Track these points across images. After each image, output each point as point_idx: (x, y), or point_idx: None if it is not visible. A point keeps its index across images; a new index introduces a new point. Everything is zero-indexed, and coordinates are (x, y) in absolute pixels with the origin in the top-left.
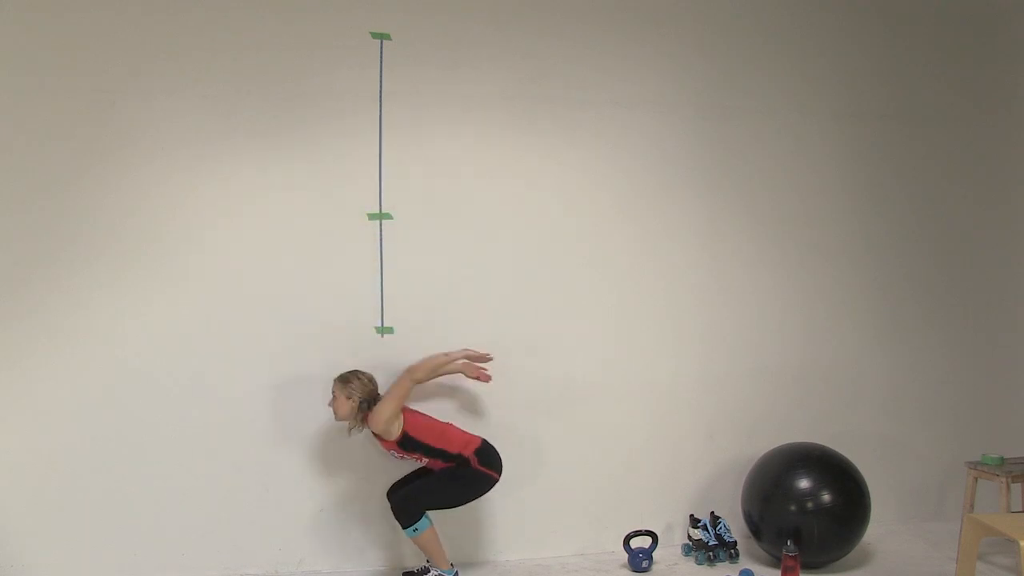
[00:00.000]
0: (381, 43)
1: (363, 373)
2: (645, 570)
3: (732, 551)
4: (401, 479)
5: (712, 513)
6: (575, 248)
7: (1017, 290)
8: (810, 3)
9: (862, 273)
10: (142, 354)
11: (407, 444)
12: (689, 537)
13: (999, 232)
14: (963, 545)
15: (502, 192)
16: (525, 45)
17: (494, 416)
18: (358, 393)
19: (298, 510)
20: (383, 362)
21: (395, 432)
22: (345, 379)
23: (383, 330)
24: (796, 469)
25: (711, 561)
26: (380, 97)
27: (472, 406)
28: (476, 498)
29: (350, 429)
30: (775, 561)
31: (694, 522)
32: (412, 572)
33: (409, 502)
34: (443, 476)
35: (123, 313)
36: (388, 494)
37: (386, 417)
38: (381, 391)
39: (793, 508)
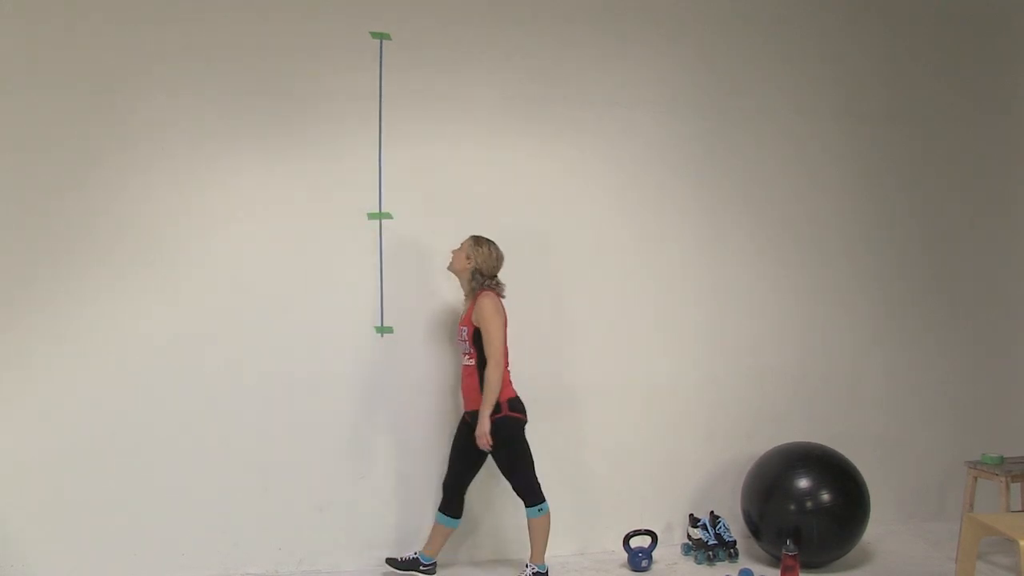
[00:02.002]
0: (381, 43)
1: (498, 248)
2: (645, 569)
3: (732, 551)
4: (453, 471)
5: (712, 512)
6: (575, 248)
7: (1016, 291)
8: (810, 4)
9: (861, 273)
10: (142, 355)
11: (480, 341)
12: (689, 536)
13: (998, 233)
14: (963, 545)
15: (502, 192)
16: (526, 45)
17: None
18: (478, 260)
19: (298, 509)
20: (382, 362)
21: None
22: (478, 240)
23: (383, 330)
24: (796, 469)
25: (711, 561)
26: (380, 97)
27: (443, 397)
28: None
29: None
30: (775, 561)
31: (694, 521)
32: (395, 560)
33: (527, 482)
34: (503, 447)
35: (123, 314)
36: (450, 486)
37: (489, 313)
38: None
39: (793, 508)
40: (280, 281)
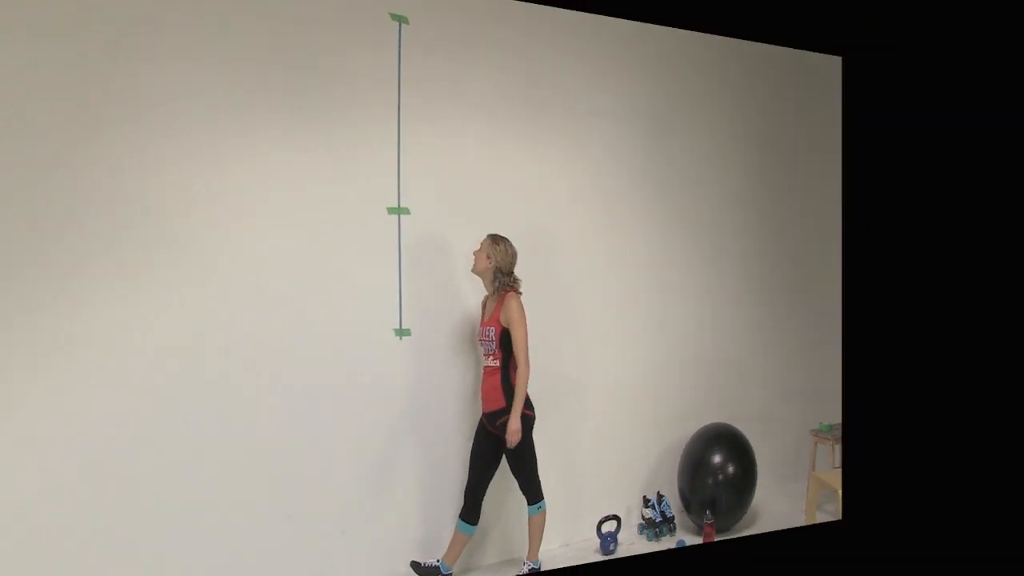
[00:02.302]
0: (400, 26)
1: (512, 245)
2: (612, 552)
3: (671, 525)
4: (477, 476)
5: (658, 493)
6: (559, 249)
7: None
8: (718, 49)
9: (751, 273)
10: (147, 362)
11: (506, 342)
12: (642, 516)
13: (832, 246)
14: (808, 498)
15: (500, 191)
16: (526, 45)
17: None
18: (497, 258)
19: (318, 535)
20: (401, 365)
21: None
22: (495, 239)
23: (401, 332)
24: (712, 447)
25: (658, 536)
26: (399, 84)
27: (463, 402)
28: None
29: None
30: (699, 529)
31: (646, 502)
32: (418, 564)
33: (533, 479)
34: (518, 443)
35: (126, 317)
36: (473, 491)
37: (516, 315)
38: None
39: (710, 481)
40: (294, 283)
